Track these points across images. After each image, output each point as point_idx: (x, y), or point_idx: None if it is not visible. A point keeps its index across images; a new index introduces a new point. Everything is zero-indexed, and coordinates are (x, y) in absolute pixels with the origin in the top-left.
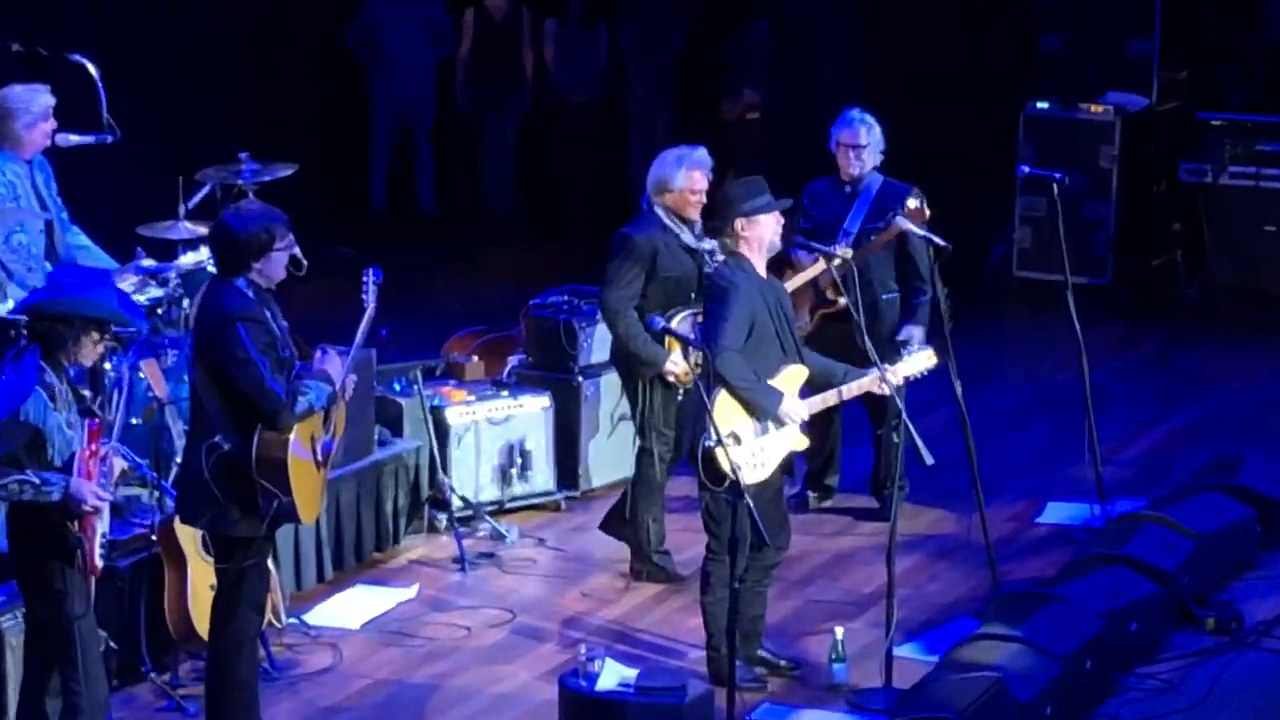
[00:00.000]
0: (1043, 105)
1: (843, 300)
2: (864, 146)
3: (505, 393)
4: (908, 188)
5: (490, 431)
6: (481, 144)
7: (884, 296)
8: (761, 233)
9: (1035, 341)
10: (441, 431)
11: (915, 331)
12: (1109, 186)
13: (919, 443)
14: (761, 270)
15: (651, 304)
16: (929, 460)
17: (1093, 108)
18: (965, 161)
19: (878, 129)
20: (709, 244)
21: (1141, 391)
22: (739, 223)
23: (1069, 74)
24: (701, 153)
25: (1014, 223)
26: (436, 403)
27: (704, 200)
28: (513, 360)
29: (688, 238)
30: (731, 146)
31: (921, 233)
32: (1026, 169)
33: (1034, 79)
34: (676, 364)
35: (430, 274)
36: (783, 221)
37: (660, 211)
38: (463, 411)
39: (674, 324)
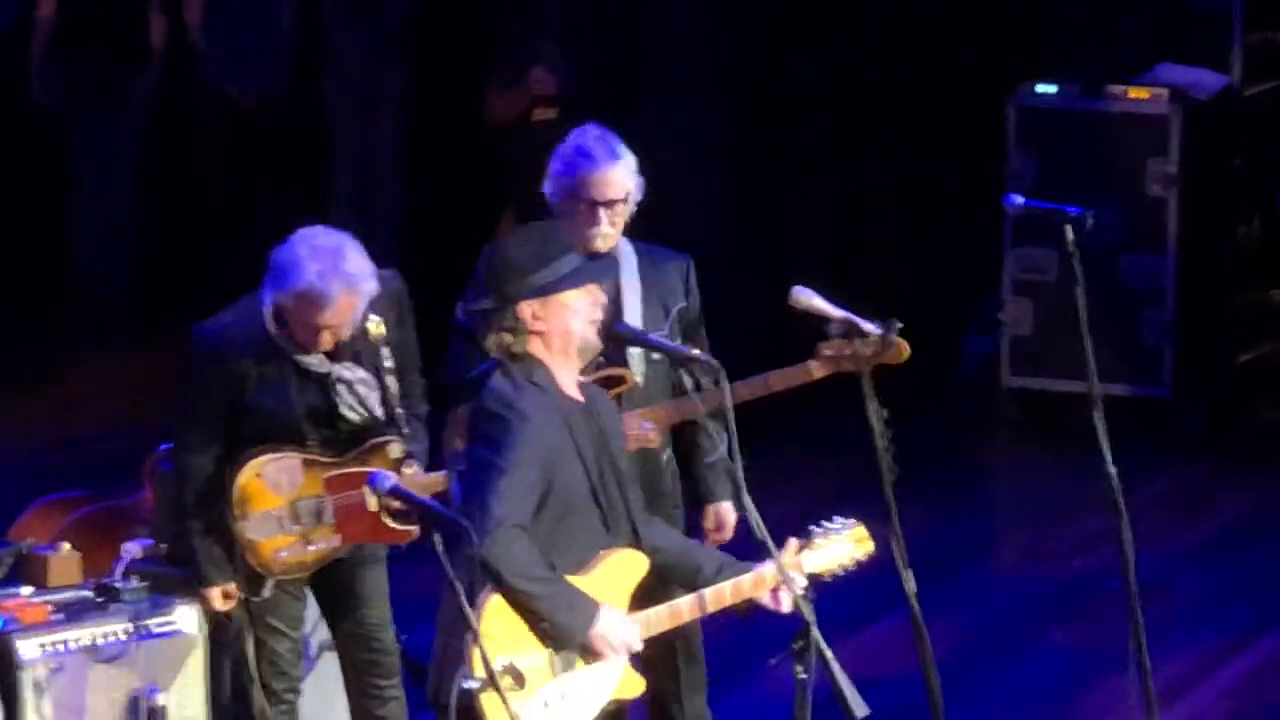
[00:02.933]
0: (1047, 89)
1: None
2: (622, 201)
3: (120, 607)
4: (682, 255)
5: (95, 676)
6: (73, 167)
7: (664, 455)
8: (566, 322)
9: (1042, 500)
10: (8, 678)
11: (725, 514)
12: (1164, 229)
13: (843, 684)
14: (570, 386)
15: (243, 447)
16: (860, 712)
17: (1133, 93)
18: (914, 188)
19: (632, 159)
20: (359, 371)
21: (1228, 589)
22: (527, 307)
23: (1092, 37)
24: (354, 262)
25: (1001, 295)
26: (0, 626)
27: (342, 332)
28: (132, 548)
29: (313, 359)
30: (511, 170)
31: (840, 314)
32: (1020, 200)
33: (1034, 45)
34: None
35: None
36: (604, 303)
37: (273, 320)
38: (45, 641)
39: (264, 468)
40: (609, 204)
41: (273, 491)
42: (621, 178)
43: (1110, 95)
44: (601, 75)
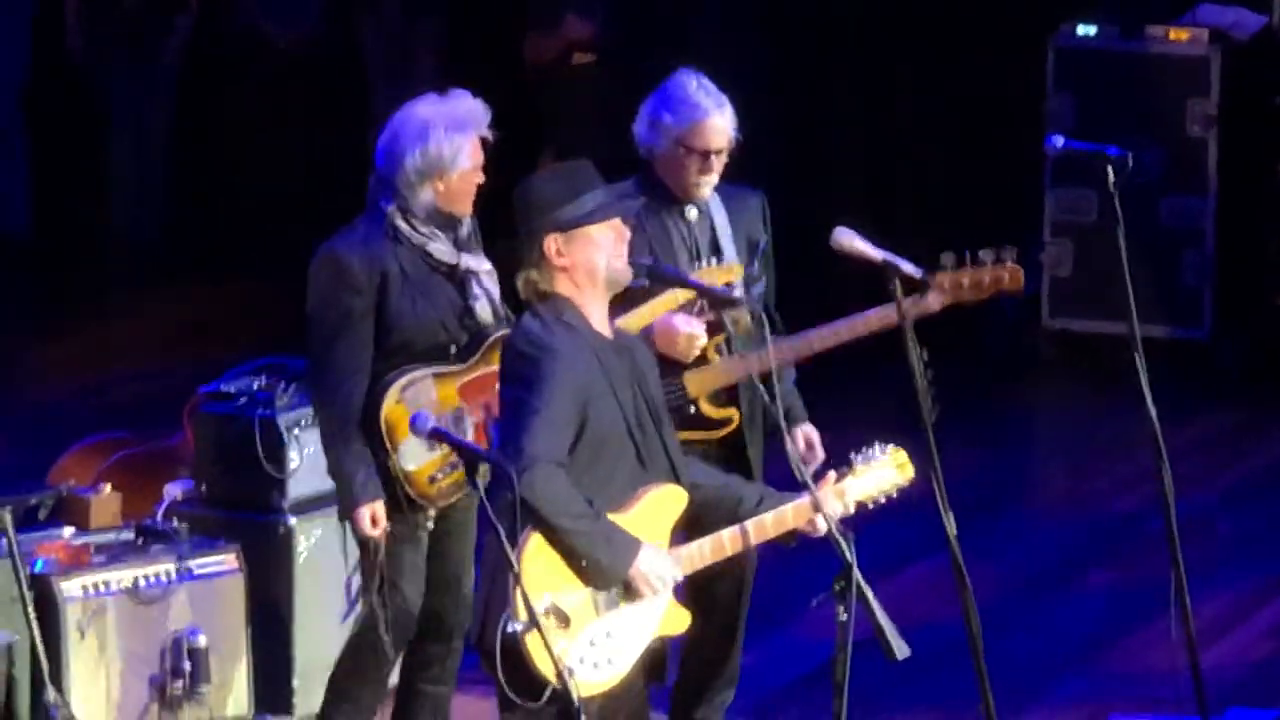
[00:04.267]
0: (1087, 31)
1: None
2: (727, 148)
3: (161, 548)
4: (757, 192)
5: (136, 617)
6: (110, 113)
7: (787, 380)
8: (591, 257)
9: (1082, 441)
10: (50, 619)
11: (812, 434)
12: (1204, 170)
13: (885, 626)
14: (600, 322)
15: (385, 368)
16: (902, 653)
17: (1173, 34)
18: (954, 129)
19: (729, 104)
20: (483, 261)
21: (1268, 529)
22: (552, 242)
23: None
24: (476, 104)
25: (1041, 236)
26: (40, 568)
27: (481, 179)
28: (173, 490)
29: (441, 246)
30: (548, 111)
31: (881, 255)
32: (1061, 141)
33: None
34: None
35: (22, 342)
36: (629, 237)
37: (397, 213)
38: (87, 583)
39: (403, 393)
40: (718, 152)
41: None
42: (728, 125)
43: (1150, 36)
44: (639, 18)
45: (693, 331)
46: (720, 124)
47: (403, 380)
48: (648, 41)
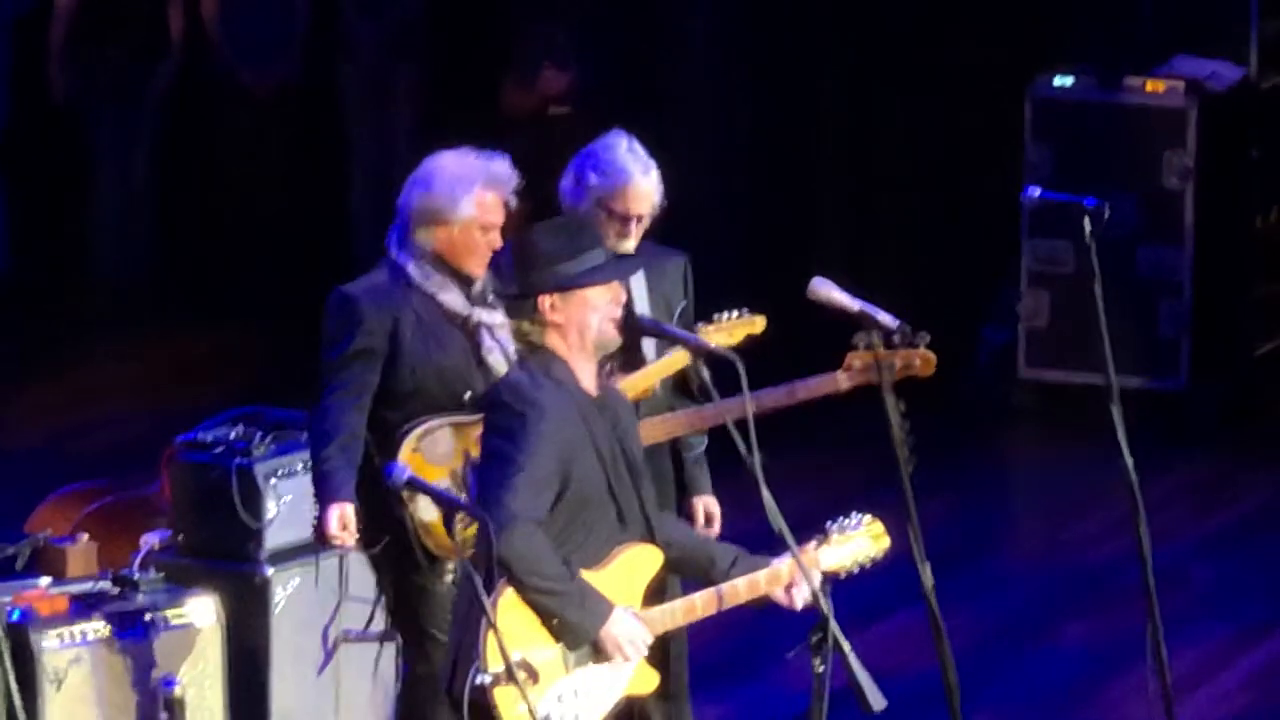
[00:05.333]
0: (1065, 82)
1: None
2: (648, 214)
3: (139, 597)
4: (680, 253)
5: (112, 667)
6: (92, 159)
7: (697, 448)
8: (585, 317)
9: (1058, 492)
10: (26, 669)
11: (712, 506)
12: (1181, 221)
13: (861, 677)
14: (587, 380)
15: (400, 417)
16: (878, 705)
17: (1150, 85)
18: (932, 180)
19: (657, 170)
20: (496, 315)
21: (1245, 580)
22: (547, 300)
23: (1108, 29)
24: (500, 164)
25: (1018, 285)
26: (16, 618)
27: (497, 244)
28: (150, 539)
29: (453, 297)
30: (522, 159)
31: (858, 305)
32: (1037, 192)
33: (1051, 37)
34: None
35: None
36: (624, 299)
37: (408, 259)
38: (63, 633)
39: (420, 442)
40: (639, 217)
41: (432, 464)
42: (652, 191)
43: (1127, 87)
44: (618, 68)
45: None
46: (643, 189)
47: (419, 430)
48: (627, 92)
